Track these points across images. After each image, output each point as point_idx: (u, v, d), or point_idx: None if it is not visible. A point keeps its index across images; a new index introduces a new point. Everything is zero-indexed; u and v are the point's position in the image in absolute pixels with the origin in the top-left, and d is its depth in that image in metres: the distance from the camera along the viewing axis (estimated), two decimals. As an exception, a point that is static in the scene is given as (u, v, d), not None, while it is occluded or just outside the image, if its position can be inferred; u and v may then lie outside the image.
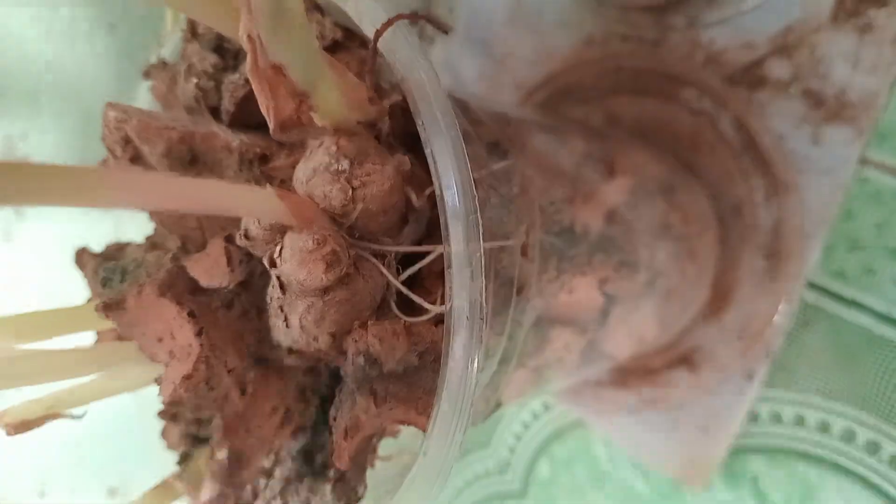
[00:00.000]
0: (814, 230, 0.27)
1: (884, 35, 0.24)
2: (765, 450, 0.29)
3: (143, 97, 0.23)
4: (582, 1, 0.30)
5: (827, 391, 0.27)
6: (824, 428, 0.27)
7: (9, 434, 0.18)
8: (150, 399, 0.23)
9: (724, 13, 0.27)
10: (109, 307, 0.13)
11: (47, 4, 0.27)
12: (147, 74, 0.20)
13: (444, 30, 0.13)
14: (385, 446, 0.18)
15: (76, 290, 0.29)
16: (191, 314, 0.13)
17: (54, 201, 0.09)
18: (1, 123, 0.28)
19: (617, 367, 0.31)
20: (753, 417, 0.29)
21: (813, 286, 0.27)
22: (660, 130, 0.29)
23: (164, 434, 0.20)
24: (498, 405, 0.19)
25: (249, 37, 0.11)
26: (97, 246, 0.21)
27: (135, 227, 0.25)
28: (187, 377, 0.13)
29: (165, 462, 0.23)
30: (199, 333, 0.13)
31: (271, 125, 0.12)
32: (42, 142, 0.29)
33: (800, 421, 0.28)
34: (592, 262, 0.21)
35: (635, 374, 0.31)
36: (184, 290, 0.14)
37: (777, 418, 0.28)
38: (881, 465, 0.26)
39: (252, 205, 0.12)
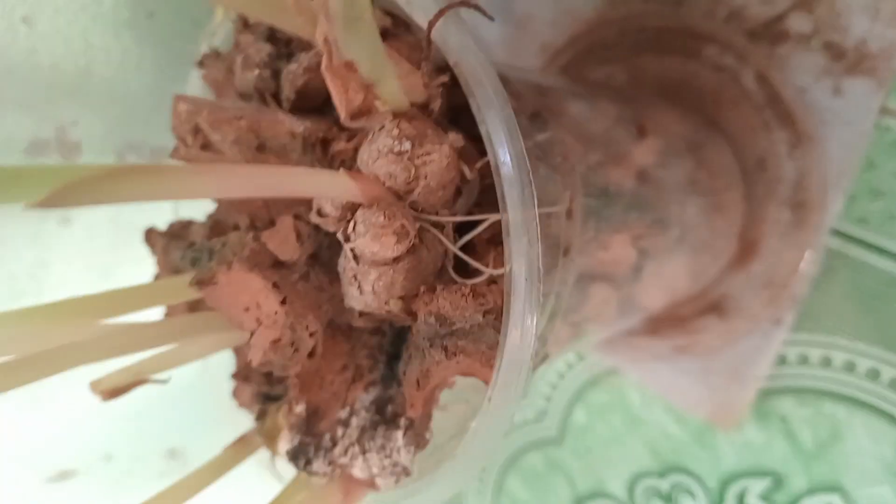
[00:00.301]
0: (836, 180, 0.28)
1: (903, -14, 0.25)
2: (793, 390, 0.30)
3: (194, 86, 0.24)
4: (604, -36, 0.30)
5: (852, 333, 0.29)
6: (850, 368, 0.29)
7: (104, 399, 0.20)
8: (204, 367, 0.24)
9: (744, -30, 0.28)
10: (202, 282, 0.15)
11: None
12: (201, 64, 0.21)
13: (489, 17, 0.15)
14: (442, 397, 0.20)
15: (129, 267, 0.31)
16: (275, 285, 0.15)
17: (164, 197, 0.11)
18: (53, 112, 0.29)
19: (649, 318, 0.33)
20: (781, 360, 0.30)
21: (837, 233, 0.28)
22: (684, 88, 0.30)
23: (236, 394, 0.22)
24: (545, 357, 0.20)
25: (325, 39, 0.12)
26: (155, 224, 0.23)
27: (188, 206, 0.26)
28: (276, 341, 0.15)
29: (219, 423, 0.24)
30: (283, 302, 0.15)
31: (343, 114, 0.14)
32: (91, 127, 0.30)
33: (826, 362, 0.29)
34: (627, 221, 0.23)
35: (666, 322, 0.32)
36: (266, 265, 0.15)
37: (804, 360, 0.30)
38: (905, 400, 0.28)
39: (328, 187, 0.14)
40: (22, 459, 0.34)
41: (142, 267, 0.25)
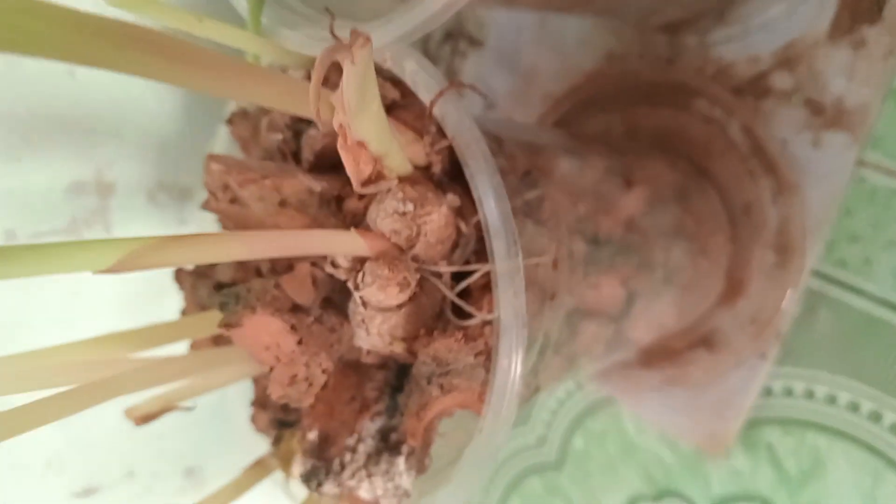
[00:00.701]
0: (817, 225, 0.30)
1: (875, 50, 0.27)
2: (778, 421, 0.32)
3: (221, 140, 0.26)
4: (601, 23, 0.33)
5: (833, 367, 0.30)
6: (831, 400, 0.30)
7: (137, 424, 0.22)
8: (222, 394, 0.27)
9: (731, 31, 0.30)
10: (230, 325, 0.17)
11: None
12: (230, 122, 0.24)
13: (483, 95, 0.17)
14: (441, 425, 0.22)
15: (154, 298, 0.34)
16: (293, 328, 0.17)
17: (205, 260, 0.13)
18: (92, 153, 0.32)
19: (642, 350, 0.35)
20: (767, 392, 0.32)
21: (818, 274, 0.30)
22: (675, 138, 0.32)
23: (254, 420, 0.25)
24: (537, 389, 0.22)
25: (341, 125, 0.14)
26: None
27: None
28: (293, 377, 0.17)
29: (234, 444, 0.26)
30: (299, 342, 0.17)
31: (355, 184, 0.16)
32: (126, 170, 0.33)
33: (809, 394, 0.31)
34: (615, 264, 0.25)
35: (659, 355, 0.34)
36: (286, 308, 0.18)
37: (789, 392, 0.31)
38: (883, 432, 0.29)
39: (341, 244, 0.16)
40: (51, 475, 0.36)
41: (166, 299, 0.27)
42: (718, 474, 0.34)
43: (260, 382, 0.24)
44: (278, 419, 0.24)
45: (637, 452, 0.37)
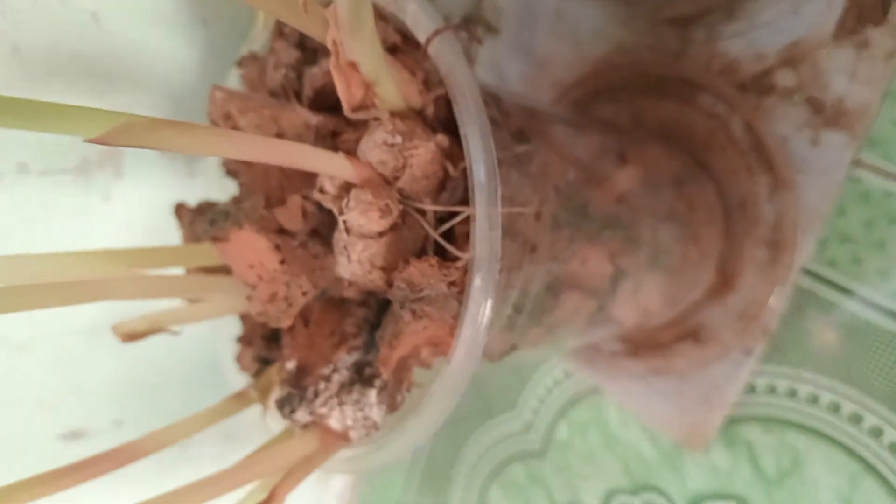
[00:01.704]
0: (810, 224, 0.30)
1: (878, 52, 0.28)
2: (759, 418, 0.32)
3: (232, 83, 0.27)
4: (614, 15, 0.33)
5: (817, 367, 0.30)
6: (813, 400, 0.31)
7: (123, 341, 0.23)
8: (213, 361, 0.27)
9: (739, 28, 0.31)
10: (218, 238, 0.18)
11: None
12: (240, 64, 0.25)
13: (478, 41, 0.17)
14: (417, 375, 0.22)
15: (162, 241, 0.34)
16: (277, 247, 0.18)
17: (195, 150, 0.14)
18: (108, 97, 0.33)
19: (630, 341, 0.35)
20: (750, 389, 0.32)
21: (807, 273, 0.30)
22: (678, 130, 0.32)
23: (239, 357, 0.25)
24: (514, 347, 0.23)
25: (334, 41, 0.15)
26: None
27: (203, 191, 0.30)
28: (273, 295, 0.18)
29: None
30: (282, 262, 0.18)
31: (346, 107, 0.17)
32: (143, 114, 0.34)
33: (792, 393, 0.31)
34: (602, 237, 0.25)
35: (647, 346, 0.34)
36: (272, 229, 0.18)
37: (771, 390, 0.32)
38: (862, 435, 0.29)
39: (330, 165, 0.17)
40: (43, 413, 0.36)
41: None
42: (696, 470, 0.34)
43: (246, 320, 0.25)
44: (261, 356, 0.24)
45: (618, 445, 0.37)
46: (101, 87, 0.32)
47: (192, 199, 0.32)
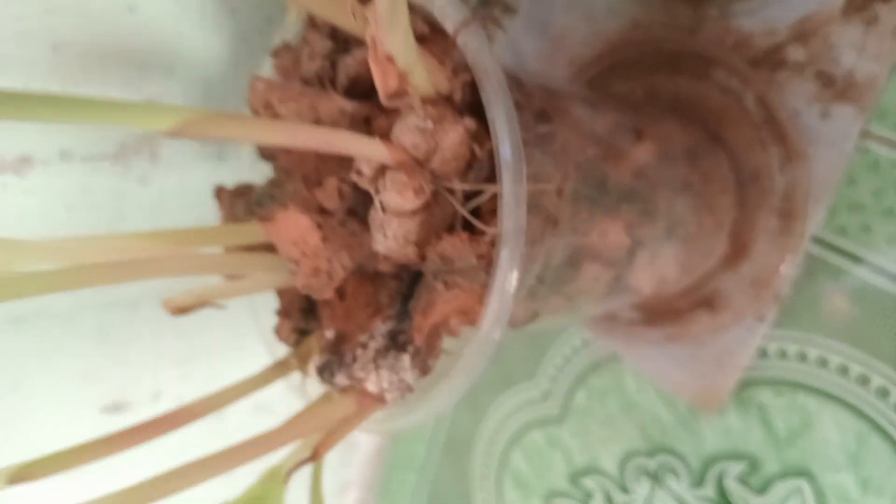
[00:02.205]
0: (820, 194, 0.31)
1: (886, 27, 0.29)
2: (771, 381, 0.33)
3: (266, 72, 0.29)
4: (628, -9, 0.34)
5: (826, 332, 0.32)
6: (822, 363, 0.32)
7: (172, 314, 0.24)
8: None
9: (751, 4, 0.32)
10: (264, 218, 0.19)
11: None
12: (274, 54, 0.26)
13: (501, 28, 0.19)
14: (445, 343, 0.24)
15: (194, 221, 0.36)
16: (319, 226, 0.19)
17: (252, 138, 0.15)
18: (144, 85, 0.34)
19: (647, 309, 0.36)
20: (762, 353, 0.34)
21: (818, 241, 0.32)
22: (692, 104, 0.34)
23: (278, 329, 0.27)
24: (536, 315, 0.24)
25: (372, 37, 0.16)
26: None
27: (233, 173, 0.31)
28: (316, 269, 0.19)
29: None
30: (324, 239, 0.19)
31: (382, 96, 0.18)
32: (174, 101, 0.35)
33: (802, 357, 0.33)
34: (620, 209, 0.27)
35: (663, 314, 0.36)
36: (314, 209, 0.20)
37: (782, 354, 0.33)
38: (870, 396, 0.31)
39: (368, 149, 0.18)
40: (87, 385, 0.39)
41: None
42: (711, 432, 0.36)
43: (284, 294, 0.26)
44: (300, 328, 0.26)
45: (635, 409, 0.39)
46: (135, 76, 0.34)
47: (222, 181, 0.34)
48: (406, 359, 0.21)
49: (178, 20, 0.33)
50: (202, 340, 0.43)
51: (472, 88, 0.21)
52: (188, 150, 0.36)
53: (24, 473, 0.19)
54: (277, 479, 0.21)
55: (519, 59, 0.40)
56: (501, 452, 0.46)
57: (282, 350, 0.27)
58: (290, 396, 0.27)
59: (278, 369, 0.25)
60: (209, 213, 0.37)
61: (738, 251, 0.33)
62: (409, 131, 0.19)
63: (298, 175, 0.24)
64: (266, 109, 0.22)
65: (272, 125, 0.15)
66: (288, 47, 0.26)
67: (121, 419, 0.41)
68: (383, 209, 0.19)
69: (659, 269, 0.30)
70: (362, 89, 0.22)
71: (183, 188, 0.37)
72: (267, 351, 0.28)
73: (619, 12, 0.36)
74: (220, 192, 0.27)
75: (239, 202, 0.26)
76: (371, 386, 0.21)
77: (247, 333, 0.42)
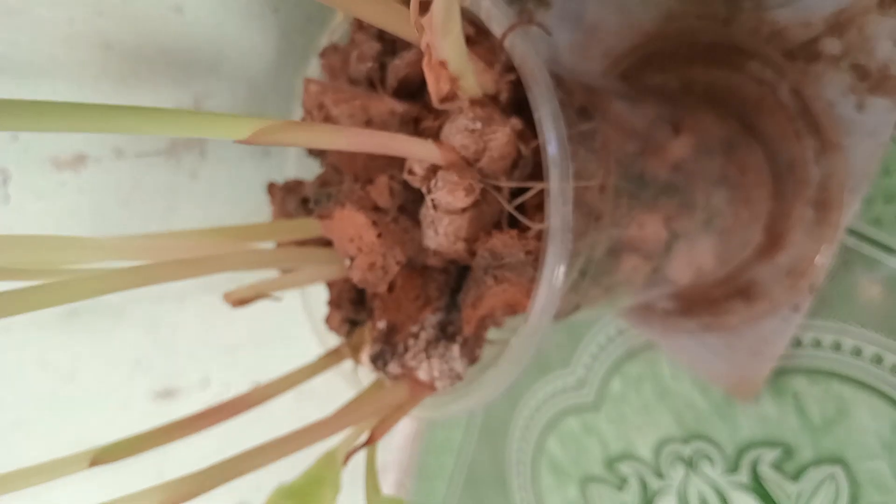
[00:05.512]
0: (856, 184, 0.31)
1: (923, 18, 0.29)
2: (806, 370, 0.34)
3: (313, 72, 0.30)
4: (663, -15, 0.35)
5: (861, 321, 0.32)
6: (857, 352, 0.32)
7: (233, 306, 0.26)
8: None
9: (786, -4, 0.32)
10: (323, 216, 0.20)
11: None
12: (322, 55, 0.27)
13: (547, 32, 0.20)
14: (490, 333, 0.25)
15: (241, 214, 0.37)
16: (374, 223, 0.20)
17: (317, 144, 0.16)
18: (191, 85, 0.35)
19: (683, 298, 0.37)
20: (797, 342, 0.34)
21: (853, 232, 0.32)
22: (727, 96, 0.34)
23: (328, 319, 0.28)
24: (577, 307, 0.25)
25: (427, 45, 0.17)
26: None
27: (276, 168, 0.32)
28: (372, 264, 0.20)
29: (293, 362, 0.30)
30: (379, 235, 0.20)
31: (434, 99, 0.19)
32: (220, 102, 0.37)
33: (837, 346, 0.33)
34: (658, 203, 0.27)
35: (699, 304, 0.36)
36: (369, 207, 0.21)
37: (817, 344, 0.34)
38: (904, 385, 0.31)
39: (421, 150, 0.19)
40: (138, 373, 0.40)
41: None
42: (745, 420, 0.37)
43: (335, 286, 0.27)
44: (350, 318, 0.27)
45: (671, 397, 0.40)
46: (181, 75, 0.35)
47: (268, 175, 0.35)
48: (455, 348, 0.22)
49: (223, 20, 0.34)
50: (247, 330, 0.45)
51: (516, 86, 0.22)
52: (235, 146, 0.37)
53: (100, 457, 0.20)
54: (334, 462, 0.22)
55: (554, 53, 0.41)
56: (537, 438, 0.47)
57: (331, 339, 0.28)
58: (330, 383, 0.28)
59: (331, 358, 0.26)
60: (256, 205, 0.38)
61: (773, 242, 0.34)
62: (459, 132, 0.20)
63: (348, 172, 0.25)
64: (319, 110, 0.23)
65: (336, 131, 0.16)
66: (336, 48, 0.27)
67: (171, 406, 0.43)
68: (434, 207, 0.20)
69: (696, 260, 0.31)
70: (409, 90, 0.23)
71: (231, 182, 0.39)
72: (317, 340, 0.29)
73: (653, 4, 0.36)
74: (271, 188, 0.28)
75: (290, 198, 0.28)
76: (422, 374, 0.22)
77: (289, 322, 0.43)
